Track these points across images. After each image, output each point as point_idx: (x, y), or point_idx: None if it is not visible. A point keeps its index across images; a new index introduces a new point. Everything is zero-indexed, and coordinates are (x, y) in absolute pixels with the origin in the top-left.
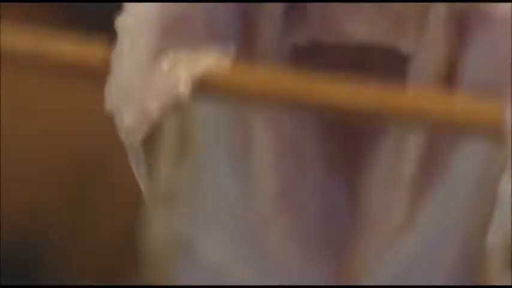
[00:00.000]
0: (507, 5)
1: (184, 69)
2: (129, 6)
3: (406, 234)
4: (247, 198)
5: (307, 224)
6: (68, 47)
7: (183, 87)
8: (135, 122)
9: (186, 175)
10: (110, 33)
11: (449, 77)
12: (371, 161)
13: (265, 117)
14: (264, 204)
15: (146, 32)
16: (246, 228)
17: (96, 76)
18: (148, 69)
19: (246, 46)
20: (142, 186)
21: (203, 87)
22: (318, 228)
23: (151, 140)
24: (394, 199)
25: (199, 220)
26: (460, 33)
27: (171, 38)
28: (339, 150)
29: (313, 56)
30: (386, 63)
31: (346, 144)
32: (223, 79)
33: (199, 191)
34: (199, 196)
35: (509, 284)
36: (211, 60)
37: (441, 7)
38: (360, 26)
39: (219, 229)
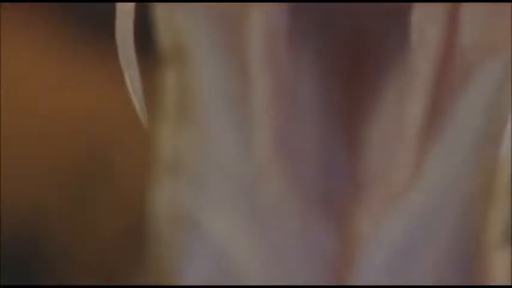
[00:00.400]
0: None
1: None
2: None
3: (411, 191)
4: (247, 150)
5: (307, 178)
6: None
7: None
8: None
9: (189, 140)
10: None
11: None
12: (373, 111)
13: (264, 61)
14: (262, 154)
15: None
16: (244, 185)
17: None
18: None
19: None
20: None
21: None
22: (318, 184)
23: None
24: (398, 153)
25: (203, 192)
26: None
27: None
28: (340, 100)
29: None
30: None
31: (346, 93)
32: None
33: (203, 156)
34: (203, 163)
35: (509, 284)
36: None
37: None
38: None
39: (223, 199)
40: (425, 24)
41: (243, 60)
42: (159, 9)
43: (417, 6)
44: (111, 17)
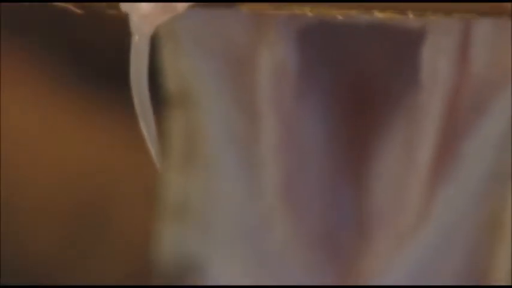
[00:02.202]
0: None
1: None
2: None
3: (418, 232)
4: (254, 194)
5: (312, 222)
6: None
7: None
8: (153, 8)
9: (196, 184)
10: None
11: None
12: (381, 150)
13: (272, 102)
14: (269, 198)
15: None
16: (251, 229)
17: None
18: None
19: None
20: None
21: None
22: (324, 227)
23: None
24: (406, 193)
25: (210, 236)
26: None
27: None
28: (347, 140)
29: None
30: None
31: (354, 133)
32: None
33: (210, 200)
34: (210, 207)
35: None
36: None
37: None
38: None
39: (230, 244)
40: (435, 58)
41: (251, 101)
42: (165, 53)
43: (428, 40)
44: (108, 69)
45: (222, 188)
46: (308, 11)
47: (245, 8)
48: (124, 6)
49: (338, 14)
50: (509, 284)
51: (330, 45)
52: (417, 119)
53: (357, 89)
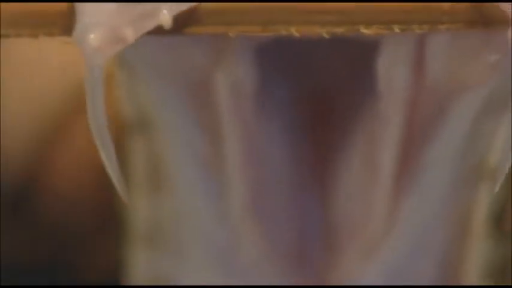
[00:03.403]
0: None
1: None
2: None
3: (387, 240)
4: (221, 212)
5: (281, 236)
6: None
7: (165, 16)
8: (103, 40)
9: (162, 207)
10: None
11: None
12: (344, 161)
13: (234, 121)
14: (236, 217)
15: None
16: (220, 247)
17: None
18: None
19: None
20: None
21: (186, 20)
22: (292, 241)
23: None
24: (372, 201)
25: (180, 258)
26: None
27: None
28: (310, 153)
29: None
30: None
31: (316, 146)
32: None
33: (178, 222)
34: (178, 229)
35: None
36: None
37: None
38: None
39: (200, 263)
40: (392, 69)
41: (212, 122)
42: (121, 81)
43: (384, 51)
44: None
45: (190, 210)
46: (294, 31)
47: (234, 30)
48: (76, 37)
49: (324, 32)
50: (510, 284)
51: (287, 61)
52: (377, 130)
53: (316, 103)
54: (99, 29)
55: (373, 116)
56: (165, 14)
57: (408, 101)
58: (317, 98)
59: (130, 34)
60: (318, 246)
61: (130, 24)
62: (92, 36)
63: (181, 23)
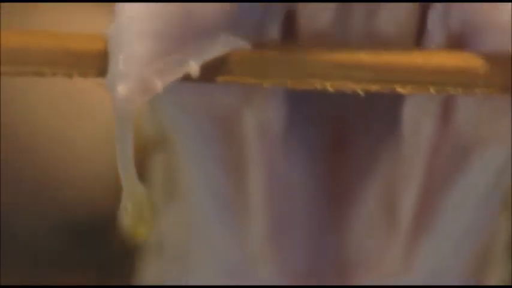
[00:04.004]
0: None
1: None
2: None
3: (402, 280)
4: (237, 240)
5: (296, 266)
6: None
7: (193, 67)
8: (131, 90)
9: (175, 222)
10: None
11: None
12: (363, 200)
13: (259, 156)
14: (255, 244)
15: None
16: (235, 273)
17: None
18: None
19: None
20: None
21: (214, 69)
22: (307, 271)
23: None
24: (388, 243)
25: (189, 272)
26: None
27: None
28: (330, 189)
29: None
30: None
31: (336, 183)
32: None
33: (189, 239)
34: (189, 245)
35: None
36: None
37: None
38: None
39: (211, 279)
40: (418, 115)
41: (236, 157)
42: (146, 110)
43: (409, 97)
44: None
45: (205, 232)
46: (329, 86)
47: (266, 83)
48: (107, 85)
49: (358, 89)
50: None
51: (313, 100)
52: (398, 172)
53: (339, 142)
54: (128, 79)
55: (395, 159)
56: (193, 65)
57: (431, 147)
58: (340, 137)
59: (158, 84)
60: (332, 278)
61: (158, 74)
62: (120, 87)
63: (210, 71)
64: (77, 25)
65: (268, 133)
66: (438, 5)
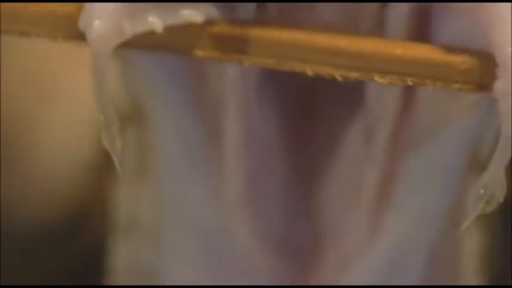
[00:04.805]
0: None
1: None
2: None
3: (371, 249)
4: (212, 207)
5: (269, 230)
6: None
7: (157, 23)
8: (106, 28)
9: (148, 200)
10: None
11: None
12: (329, 174)
13: (237, 112)
14: (230, 209)
15: None
16: (211, 243)
17: None
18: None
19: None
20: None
21: (193, 43)
22: (279, 235)
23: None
24: (354, 213)
25: (163, 248)
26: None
27: None
28: (298, 159)
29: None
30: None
31: (305, 154)
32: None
33: (162, 215)
34: (163, 219)
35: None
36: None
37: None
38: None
39: (185, 251)
40: (382, 88)
41: (211, 113)
42: (117, 69)
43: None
44: None
45: (175, 199)
46: (309, 70)
47: (248, 60)
48: (81, 25)
49: (338, 75)
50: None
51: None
52: (364, 142)
53: (308, 108)
54: (102, 18)
55: (361, 129)
56: (158, 21)
57: (394, 120)
58: (309, 103)
59: (129, 27)
60: (303, 243)
61: (129, 18)
62: (96, 22)
63: (189, 45)
64: None
65: (244, 89)
66: None
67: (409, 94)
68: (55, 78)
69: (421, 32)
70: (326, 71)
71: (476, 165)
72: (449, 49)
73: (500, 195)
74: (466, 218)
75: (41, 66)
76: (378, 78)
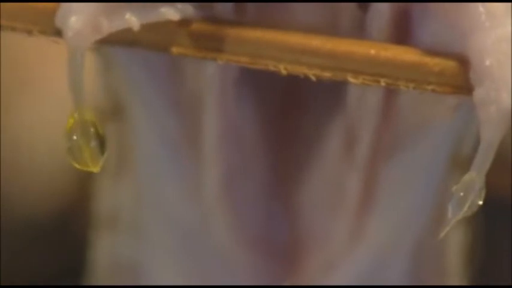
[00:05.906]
0: None
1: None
2: None
3: (353, 253)
4: (191, 201)
5: (249, 224)
6: None
7: (134, 21)
8: (82, 24)
9: (128, 194)
10: None
11: None
12: (311, 175)
13: (216, 108)
14: (208, 204)
15: None
16: (190, 239)
17: None
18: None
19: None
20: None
21: (168, 40)
22: (260, 233)
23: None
24: (336, 216)
25: (145, 240)
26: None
27: None
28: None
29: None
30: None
31: (286, 154)
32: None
33: (142, 209)
34: (143, 214)
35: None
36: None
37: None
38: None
39: (166, 246)
40: (362, 91)
41: (190, 106)
42: (97, 65)
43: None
44: None
45: (155, 193)
46: (282, 69)
47: (222, 58)
48: (57, 22)
49: (311, 74)
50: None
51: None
52: (346, 144)
53: (290, 104)
54: (78, 14)
55: (342, 131)
56: (134, 20)
57: (375, 122)
58: (290, 100)
59: (105, 24)
60: (283, 242)
61: (106, 15)
62: (73, 18)
63: (168, 42)
64: None
65: (222, 86)
66: None
67: (390, 96)
68: (35, 71)
69: (402, 33)
70: (299, 70)
71: (458, 167)
72: (423, 50)
73: (479, 199)
74: (447, 220)
75: (24, 57)
76: (351, 79)
